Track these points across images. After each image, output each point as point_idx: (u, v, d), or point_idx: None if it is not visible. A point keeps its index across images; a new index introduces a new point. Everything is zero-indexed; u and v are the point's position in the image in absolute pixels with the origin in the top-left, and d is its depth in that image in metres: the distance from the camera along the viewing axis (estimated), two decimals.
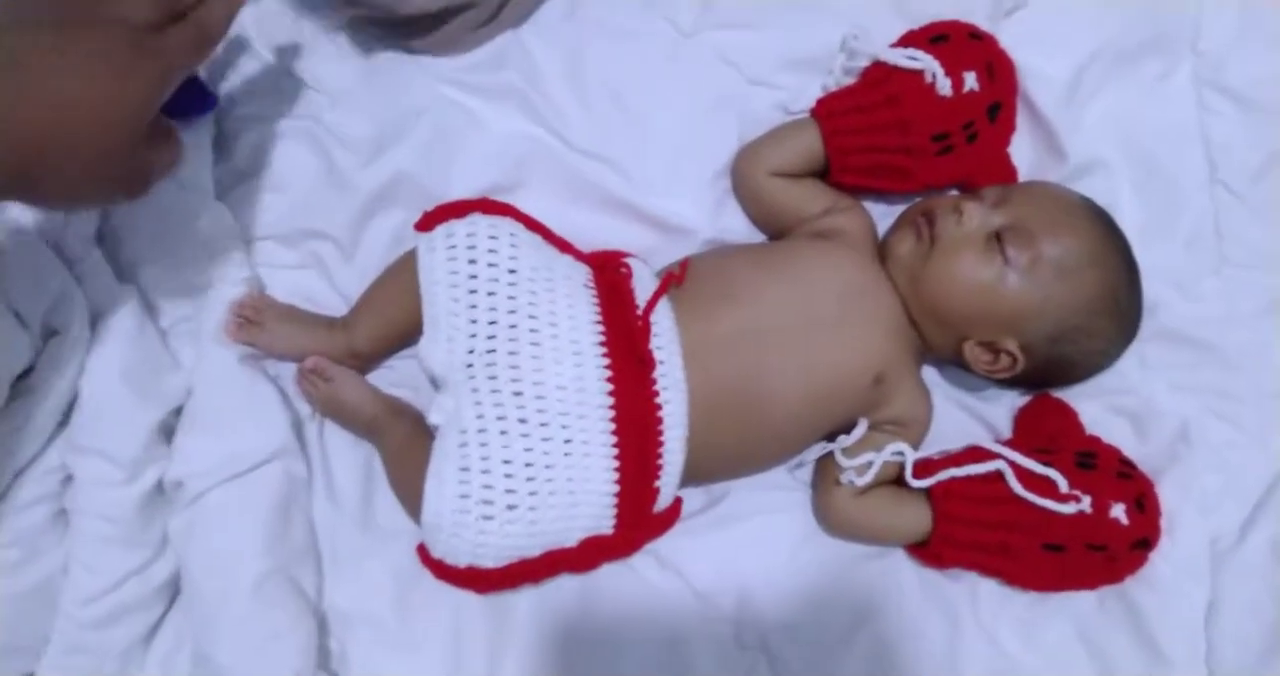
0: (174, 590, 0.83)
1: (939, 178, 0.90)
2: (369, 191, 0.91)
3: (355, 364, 0.90)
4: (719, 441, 0.83)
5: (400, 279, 0.84)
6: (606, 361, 0.79)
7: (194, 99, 0.86)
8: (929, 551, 0.87)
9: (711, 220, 0.93)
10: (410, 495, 0.81)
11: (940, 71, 0.87)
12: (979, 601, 0.89)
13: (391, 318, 0.86)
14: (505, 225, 0.83)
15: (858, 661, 0.86)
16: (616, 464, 0.78)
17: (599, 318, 0.81)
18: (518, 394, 0.77)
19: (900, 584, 0.89)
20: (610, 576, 0.87)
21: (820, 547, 0.89)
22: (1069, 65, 0.95)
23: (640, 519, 0.82)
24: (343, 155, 0.93)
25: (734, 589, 0.88)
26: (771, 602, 0.87)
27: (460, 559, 0.78)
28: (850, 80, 0.92)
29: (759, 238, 0.95)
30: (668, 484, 0.82)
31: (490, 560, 0.78)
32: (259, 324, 0.87)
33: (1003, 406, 0.94)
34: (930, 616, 0.88)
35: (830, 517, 0.88)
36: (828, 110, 0.89)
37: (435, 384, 0.82)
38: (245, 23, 0.94)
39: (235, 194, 0.92)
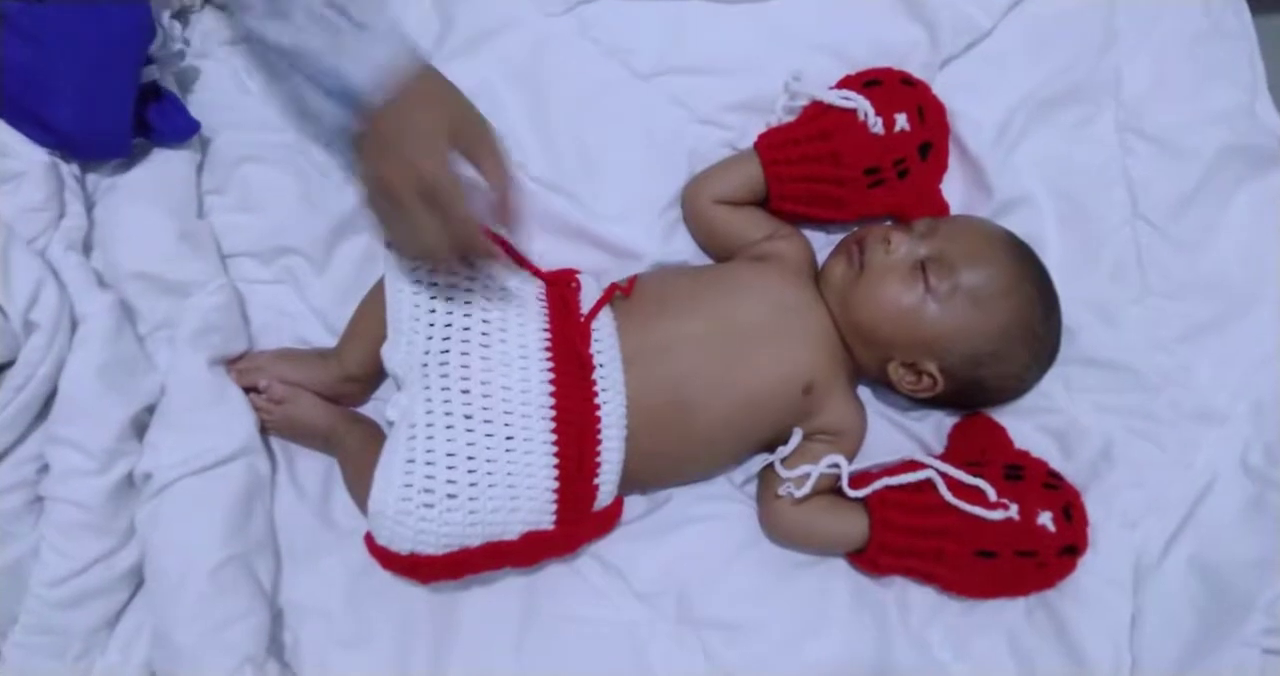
0: (137, 578, 0.87)
1: (873, 208, 0.97)
2: (341, 213, 0.98)
3: (353, 388, 0.96)
4: (658, 444, 0.87)
5: (378, 300, 0.89)
6: (550, 365, 0.85)
7: (176, 123, 0.94)
8: (866, 558, 0.90)
9: (661, 246, 0.99)
10: (363, 492, 0.85)
11: (871, 111, 0.94)
12: (909, 609, 0.92)
13: (376, 337, 0.89)
14: None
15: (791, 663, 0.89)
16: (556, 460, 0.83)
17: (547, 326, 0.87)
18: (465, 391, 0.83)
19: (833, 590, 0.92)
20: (553, 577, 0.91)
21: (757, 554, 0.93)
22: (998, 110, 1.02)
23: (580, 515, 0.86)
24: (319, 181, 0.99)
25: (674, 591, 0.91)
26: (710, 605, 0.91)
27: (403, 546, 0.81)
28: (791, 119, 0.99)
29: (706, 262, 1.01)
30: (607, 482, 0.86)
31: (432, 547, 0.82)
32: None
33: (932, 423, 0.98)
34: (862, 622, 0.91)
35: (773, 527, 0.92)
36: (768, 143, 0.97)
37: (398, 384, 0.87)
38: (236, 61, 1.03)
39: (216, 213, 0.99)
